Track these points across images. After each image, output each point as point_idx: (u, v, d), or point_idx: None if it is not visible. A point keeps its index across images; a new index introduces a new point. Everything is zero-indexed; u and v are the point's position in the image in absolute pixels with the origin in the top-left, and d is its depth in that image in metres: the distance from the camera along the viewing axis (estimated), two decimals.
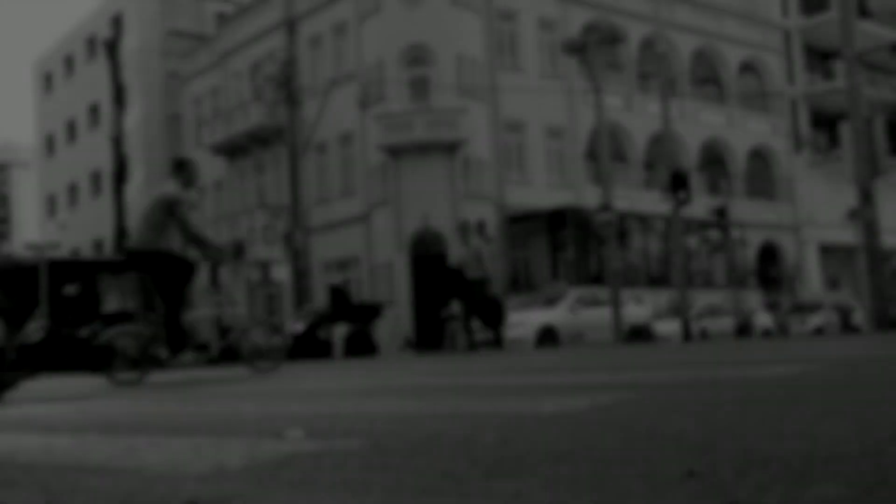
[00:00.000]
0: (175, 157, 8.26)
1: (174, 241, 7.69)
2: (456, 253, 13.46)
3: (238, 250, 8.78)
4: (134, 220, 7.69)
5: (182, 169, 7.97)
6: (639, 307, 21.17)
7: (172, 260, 7.65)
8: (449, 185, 27.32)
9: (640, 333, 19.98)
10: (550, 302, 19.99)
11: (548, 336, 18.04)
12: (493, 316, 13.40)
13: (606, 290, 21.63)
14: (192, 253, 7.92)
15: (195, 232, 7.75)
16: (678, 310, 21.62)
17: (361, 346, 19.75)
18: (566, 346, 16.96)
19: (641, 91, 34.22)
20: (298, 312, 23.85)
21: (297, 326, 21.02)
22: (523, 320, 17.92)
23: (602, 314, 19.36)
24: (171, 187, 7.82)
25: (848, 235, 33.33)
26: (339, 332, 19.56)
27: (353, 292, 29.55)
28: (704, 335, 22.84)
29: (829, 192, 38.49)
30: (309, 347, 20.78)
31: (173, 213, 7.57)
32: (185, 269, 7.75)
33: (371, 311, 21.05)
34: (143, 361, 7.64)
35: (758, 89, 38.85)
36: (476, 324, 13.32)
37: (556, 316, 18.75)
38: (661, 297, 27.14)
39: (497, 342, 13.45)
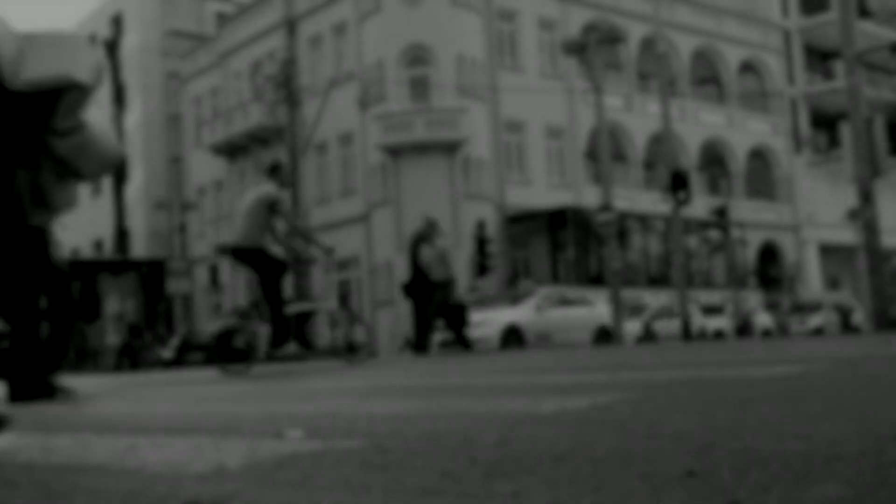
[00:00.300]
0: (270, 161, 9.09)
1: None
2: (425, 254, 12.99)
3: (329, 252, 9.64)
4: (237, 220, 8.48)
5: (276, 172, 8.53)
6: (607, 308, 20.33)
7: (273, 256, 8.25)
8: (449, 185, 27.32)
9: (607, 334, 19.06)
10: (516, 301, 19.26)
11: (513, 336, 17.18)
12: (456, 319, 13.07)
13: (575, 290, 21.19)
14: (278, 250, 8.47)
15: (301, 227, 8.45)
16: (636, 310, 21.39)
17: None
18: (532, 347, 16.35)
19: (641, 91, 34.23)
20: (223, 312, 22.65)
21: (217, 327, 19.65)
22: (487, 319, 17.09)
23: (570, 314, 18.61)
24: (269, 188, 8.33)
25: (848, 235, 33.36)
26: (264, 332, 18.39)
27: (353, 292, 29.55)
28: (652, 337, 22.40)
29: (829, 192, 38.51)
30: (230, 350, 19.07)
31: (276, 211, 8.17)
32: (281, 266, 8.32)
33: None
34: (251, 353, 8.29)
35: (758, 89, 38.86)
36: (439, 325, 12.91)
37: (521, 315, 17.82)
38: (661, 297, 27.15)
39: (462, 343, 12.95)
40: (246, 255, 8.25)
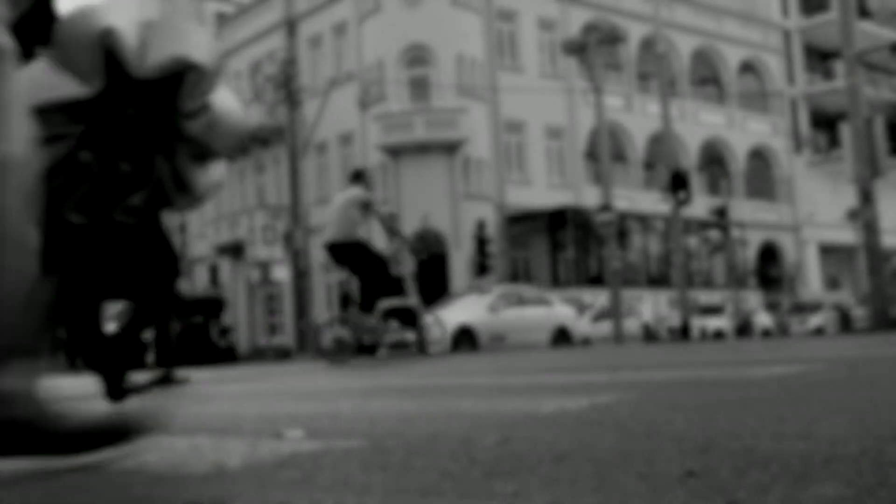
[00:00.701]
0: (355, 167, 10.51)
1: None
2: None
3: (417, 252, 10.55)
4: (328, 222, 9.31)
5: (362, 176, 9.54)
6: (565, 308, 19.08)
7: (369, 250, 9.06)
8: (449, 185, 27.32)
9: (565, 335, 18.02)
10: (456, 297, 18.64)
11: (465, 338, 16.22)
12: (408, 317, 12.63)
13: (531, 289, 20.50)
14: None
15: (393, 224, 9.62)
16: (611, 311, 20.99)
17: (191, 349, 16.59)
18: (486, 350, 15.30)
19: (641, 91, 34.24)
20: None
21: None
22: (438, 320, 16.48)
23: (526, 314, 17.59)
24: (358, 191, 9.26)
25: (848, 235, 33.38)
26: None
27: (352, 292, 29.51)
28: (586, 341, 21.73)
29: (829, 192, 38.51)
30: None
31: (369, 210, 9.13)
32: (375, 257, 9.10)
33: (208, 307, 18.05)
34: (351, 345, 9.21)
35: (758, 89, 38.86)
36: (394, 324, 12.54)
37: (473, 316, 16.82)
38: (662, 297, 27.15)
39: (420, 345, 12.19)
40: (343, 249, 8.99)
